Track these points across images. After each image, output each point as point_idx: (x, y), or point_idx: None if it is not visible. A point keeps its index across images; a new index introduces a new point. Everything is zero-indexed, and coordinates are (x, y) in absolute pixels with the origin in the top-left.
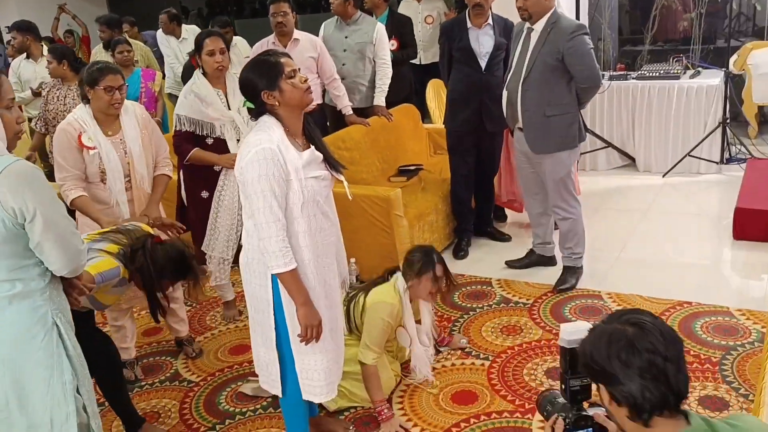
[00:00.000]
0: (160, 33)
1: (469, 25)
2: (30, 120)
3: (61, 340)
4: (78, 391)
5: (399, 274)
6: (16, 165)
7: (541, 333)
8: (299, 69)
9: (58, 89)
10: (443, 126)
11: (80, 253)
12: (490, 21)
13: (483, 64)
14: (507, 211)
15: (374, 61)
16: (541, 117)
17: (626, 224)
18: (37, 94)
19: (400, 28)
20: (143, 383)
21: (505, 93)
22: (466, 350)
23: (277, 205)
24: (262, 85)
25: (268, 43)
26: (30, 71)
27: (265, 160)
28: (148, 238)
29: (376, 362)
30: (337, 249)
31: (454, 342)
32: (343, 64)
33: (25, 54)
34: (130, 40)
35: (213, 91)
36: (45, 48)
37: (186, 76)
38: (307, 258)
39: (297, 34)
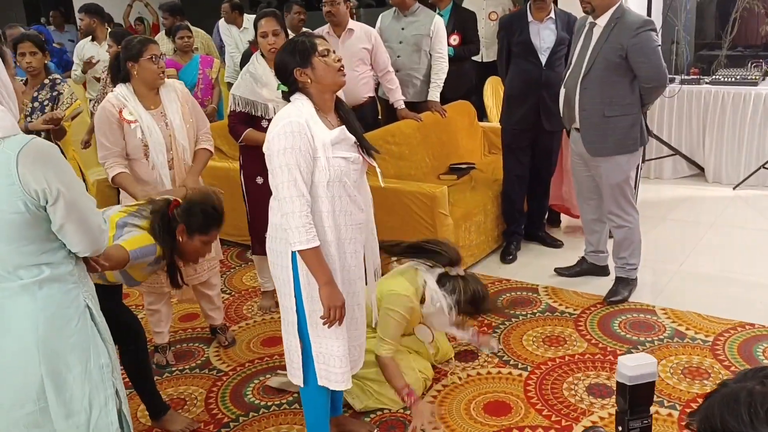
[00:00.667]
0: (222, 22)
1: (530, 18)
2: (90, 102)
3: (94, 323)
4: (112, 374)
5: (422, 269)
6: (33, 144)
7: (585, 346)
8: (334, 50)
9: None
10: (499, 124)
11: (102, 232)
12: (552, 15)
13: (543, 59)
14: (562, 215)
15: (430, 55)
16: (600, 117)
17: (691, 237)
18: (85, 71)
19: (464, 23)
20: (173, 369)
21: (562, 91)
22: (502, 358)
23: (302, 179)
24: (294, 63)
25: (323, 32)
26: (93, 53)
27: (293, 133)
28: (165, 204)
29: (391, 353)
30: (368, 239)
31: (484, 341)
32: (398, 56)
33: (90, 36)
34: (192, 28)
35: (270, 72)
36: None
37: (244, 64)
38: (330, 239)
39: (352, 24)
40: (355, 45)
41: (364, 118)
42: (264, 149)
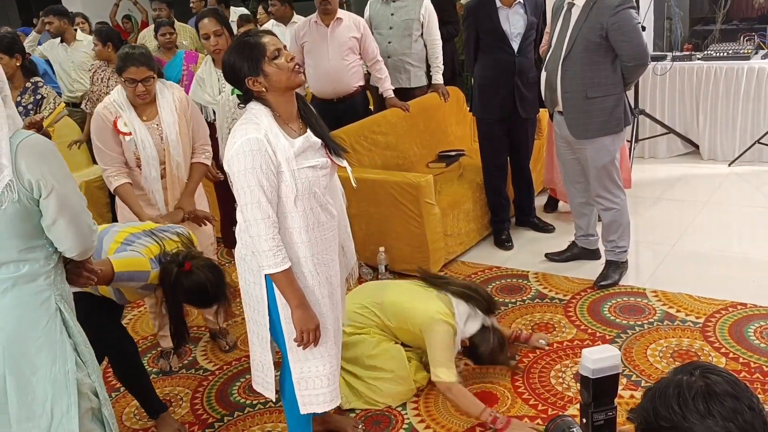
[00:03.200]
0: None
1: (498, 4)
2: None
3: (65, 327)
4: (89, 377)
5: (458, 303)
6: (32, 138)
7: (575, 332)
8: (285, 46)
9: (102, 71)
10: (473, 115)
11: (92, 233)
12: None
13: (516, 46)
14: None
15: (425, 40)
16: (583, 99)
17: (685, 216)
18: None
19: (440, 4)
20: (159, 370)
21: (543, 74)
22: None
23: (266, 200)
24: (245, 70)
25: (310, 22)
26: (61, 55)
27: (251, 151)
28: (175, 267)
29: (456, 378)
30: (343, 240)
31: (533, 340)
32: (389, 42)
33: (59, 38)
34: (179, 24)
35: (214, 74)
36: (78, 32)
37: None
38: (304, 255)
39: (340, 13)
40: (344, 34)
41: (355, 108)
42: (225, 167)
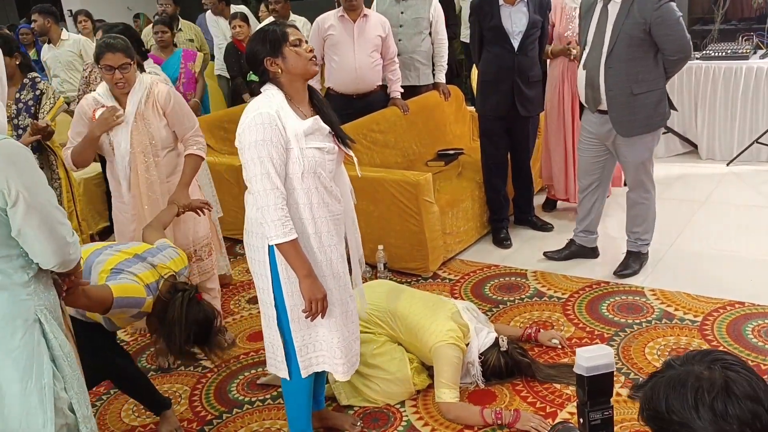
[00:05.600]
0: (209, 14)
1: (501, 2)
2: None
3: (45, 339)
4: (66, 391)
5: (474, 324)
6: (2, 143)
7: (573, 330)
8: (306, 40)
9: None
10: (475, 111)
11: (68, 245)
12: None
13: (516, 44)
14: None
15: (432, 39)
16: (628, 96)
17: (683, 215)
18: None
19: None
20: (158, 368)
21: (582, 73)
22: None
23: (275, 172)
24: (265, 51)
25: (336, 16)
26: (49, 55)
27: (263, 125)
28: (184, 294)
29: (457, 398)
30: (349, 230)
31: (543, 338)
32: (399, 40)
33: (46, 38)
34: (184, 22)
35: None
36: (64, 31)
37: (227, 59)
38: (310, 231)
39: (366, 10)
40: (371, 32)
41: (372, 106)
42: (236, 143)
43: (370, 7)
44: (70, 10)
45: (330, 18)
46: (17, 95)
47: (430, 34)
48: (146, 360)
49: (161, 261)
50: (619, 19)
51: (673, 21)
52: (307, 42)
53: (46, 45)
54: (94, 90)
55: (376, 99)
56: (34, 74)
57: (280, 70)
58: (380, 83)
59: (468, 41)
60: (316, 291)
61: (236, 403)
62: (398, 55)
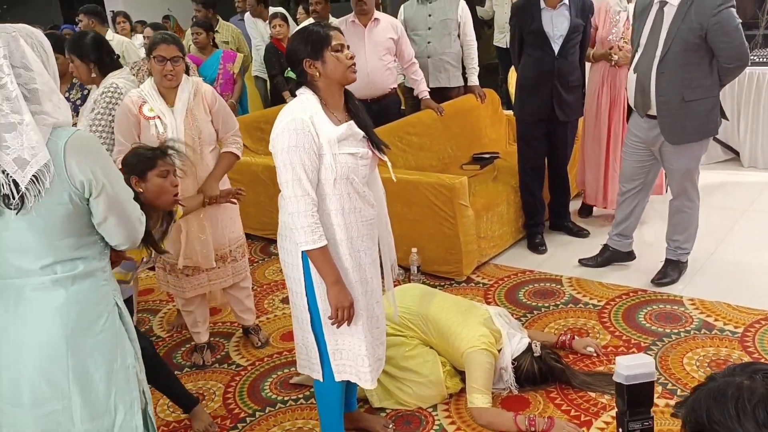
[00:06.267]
0: (247, 15)
1: (542, 5)
2: None
3: (122, 322)
4: (138, 376)
5: (506, 330)
6: (78, 135)
7: (609, 338)
8: (348, 46)
9: (149, 68)
10: (513, 115)
11: (141, 224)
12: (565, 1)
13: (556, 48)
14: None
15: (461, 41)
16: (680, 102)
17: (724, 224)
18: None
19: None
20: (192, 364)
21: (633, 76)
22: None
23: (307, 178)
24: (305, 53)
25: (347, 22)
26: None
27: (296, 131)
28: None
29: (489, 404)
30: (382, 235)
31: (578, 345)
32: (429, 42)
33: None
34: (222, 22)
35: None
36: (108, 32)
37: (267, 58)
38: (340, 237)
39: (377, 14)
40: (381, 35)
41: (388, 110)
42: (269, 147)
43: (398, 11)
44: (112, 11)
45: (341, 24)
46: (66, 94)
47: (459, 36)
48: (181, 356)
49: None
50: (675, 23)
51: (732, 28)
52: (348, 47)
53: None
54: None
55: (391, 102)
56: None
57: (318, 74)
58: (394, 86)
59: (501, 45)
60: (343, 299)
61: (269, 401)
62: (428, 57)
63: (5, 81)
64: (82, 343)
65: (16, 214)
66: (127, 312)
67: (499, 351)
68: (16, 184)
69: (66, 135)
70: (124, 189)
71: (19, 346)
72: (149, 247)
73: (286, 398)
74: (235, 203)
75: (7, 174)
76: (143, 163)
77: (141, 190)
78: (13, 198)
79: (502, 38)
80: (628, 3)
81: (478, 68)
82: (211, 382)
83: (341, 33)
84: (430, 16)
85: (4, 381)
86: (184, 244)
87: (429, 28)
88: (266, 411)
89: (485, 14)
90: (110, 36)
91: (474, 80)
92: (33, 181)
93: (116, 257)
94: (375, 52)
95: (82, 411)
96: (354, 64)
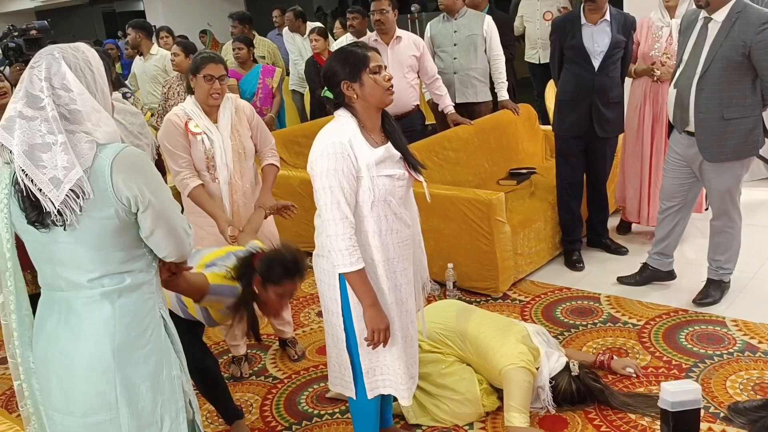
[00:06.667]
0: (286, 30)
1: (583, 21)
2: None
3: (168, 334)
4: (183, 387)
5: (544, 349)
6: (126, 151)
7: (649, 359)
8: (386, 67)
9: (178, 85)
10: (552, 130)
11: (189, 236)
12: (607, 17)
13: (596, 64)
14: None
15: (488, 56)
16: (719, 120)
17: (767, 243)
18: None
19: (499, 27)
20: (230, 376)
21: (673, 91)
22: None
23: (345, 201)
24: (343, 74)
25: (369, 40)
26: (139, 67)
27: (335, 154)
28: (250, 255)
29: (527, 423)
30: (415, 253)
31: (617, 366)
32: (455, 58)
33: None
34: (258, 38)
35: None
36: (154, 46)
37: (308, 72)
38: (377, 259)
39: (399, 32)
40: (404, 52)
41: (413, 127)
42: (308, 169)
43: (423, 29)
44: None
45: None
46: None
47: (485, 51)
48: (221, 368)
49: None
50: (718, 39)
51: None
52: (386, 69)
53: (137, 58)
54: (173, 105)
55: (414, 119)
56: (125, 89)
57: (355, 96)
58: (416, 103)
59: (533, 61)
60: (379, 321)
61: (306, 415)
62: (455, 73)
63: (44, 103)
64: (128, 356)
65: (64, 230)
66: (172, 323)
67: (537, 369)
68: (53, 203)
69: (113, 152)
70: (170, 202)
71: (69, 357)
72: (248, 325)
73: (322, 412)
74: (291, 217)
75: (44, 193)
76: (274, 275)
77: (257, 291)
78: (51, 216)
79: (534, 54)
80: (671, 18)
81: (506, 82)
82: (249, 394)
83: (378, 54)
84: (455, 32)
85: (55, 390)
86: None
87: (455, 44)
88: (302, 425)
89: (516, 30)
90: (155, 50)
91: (504, 95)
92: (68, 198)
93: (176, 269)
94: (398, 69)
95: (130, 422)
96: (392, 86)
